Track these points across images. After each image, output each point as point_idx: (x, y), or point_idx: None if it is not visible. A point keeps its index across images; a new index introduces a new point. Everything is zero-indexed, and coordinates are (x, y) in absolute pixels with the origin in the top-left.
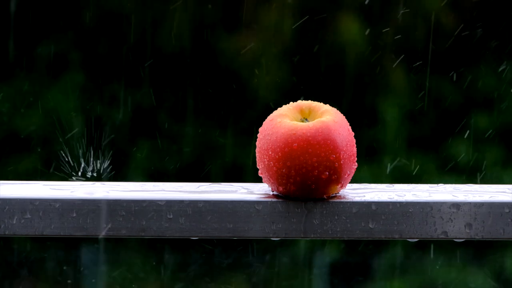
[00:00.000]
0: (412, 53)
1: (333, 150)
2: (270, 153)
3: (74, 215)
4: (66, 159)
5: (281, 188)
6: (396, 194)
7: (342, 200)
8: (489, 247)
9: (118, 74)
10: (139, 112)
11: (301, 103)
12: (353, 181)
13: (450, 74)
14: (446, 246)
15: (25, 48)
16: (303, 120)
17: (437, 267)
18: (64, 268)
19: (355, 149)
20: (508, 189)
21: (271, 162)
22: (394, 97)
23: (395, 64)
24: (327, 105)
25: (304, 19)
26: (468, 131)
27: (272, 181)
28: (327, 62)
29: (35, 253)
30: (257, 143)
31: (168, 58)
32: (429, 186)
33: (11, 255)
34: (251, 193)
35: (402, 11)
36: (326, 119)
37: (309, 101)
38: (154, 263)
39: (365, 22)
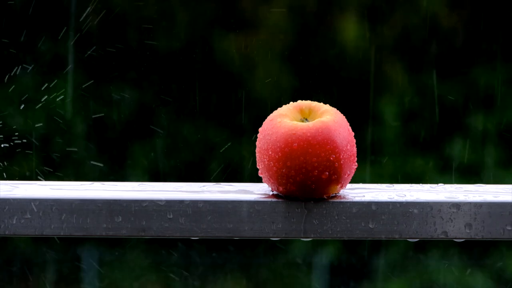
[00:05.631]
0: (412, 53)
1: (333, 150)
2: (270, 153)
3: (74, 215)
4: (66, 159)
5: (281, 188)
6: (396, 194)
7: (342, 200)
8: (489, 247)
9: (117, 73)
10: (139, 112)
11: (301, 103)
12: (353, 181)
13: (450, 74)
14: (446, 246)
15: (26, 47)
16: (303, 120)
17: (437, 267)
18: (64, 268)
19: (355, 149)
20: (509, 189)
21: (271, 162)
22: (394, 97)
23: (395, 64)
24: (327, 105)
25: (304, 19)
26: (468, 131)
27: (272, 181)
28: (327, 62)
29: (35, 253)
30: (257, 143)
31: (168, 58)
32: (429, 186)
33: (11, 255)
34: (251, 193)
35: (402, 11)
36: (326, 119)
37: (309, 101)
38: (153, 263)
39: (365, 22)
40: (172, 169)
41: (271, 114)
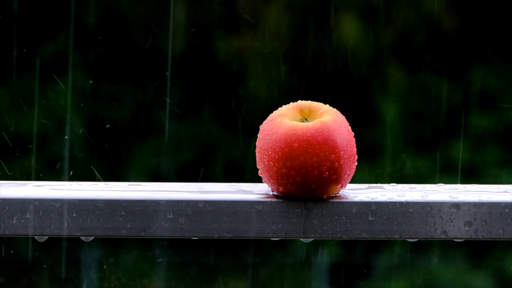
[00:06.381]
0: (412, 53)
1: (333, 150)
2: (270, 153)
3: (74, 215)
4: (66, 159)
5: (281, 188)
6: (396, 194)
7: (342, 200)
8: (489, 247)
9: (117, 73)
10: (139, 112)
11: (301, 103)
12: (353, 181)
13: (450, 74)
14: (446, 246)
15: (26, 48)
16: (303, 120)
17: (437, 267)
18: (64, 268)
19: (355, 149)
20: (508, 189)
21: (271, 162)
22: (394, 97)
23: (395, 64)
24: (327, 105)
25: (304, 19)
26: (468, 131)
27: (272, 181)
28: (327, 62)
29: (35, 253)
30: (257, 143)
31: (168, 58)
32: (429, 186)
33: (11, 255)
34: (251, 193)
35: (402, 11)
36: (326, 119)
37: (309, 101)
38: (154, 263)
39: (365, 22)
40: (172, 169)
41: (271, 114)
